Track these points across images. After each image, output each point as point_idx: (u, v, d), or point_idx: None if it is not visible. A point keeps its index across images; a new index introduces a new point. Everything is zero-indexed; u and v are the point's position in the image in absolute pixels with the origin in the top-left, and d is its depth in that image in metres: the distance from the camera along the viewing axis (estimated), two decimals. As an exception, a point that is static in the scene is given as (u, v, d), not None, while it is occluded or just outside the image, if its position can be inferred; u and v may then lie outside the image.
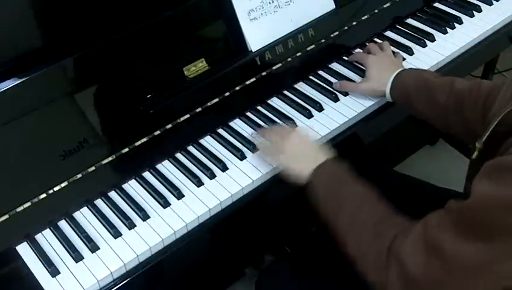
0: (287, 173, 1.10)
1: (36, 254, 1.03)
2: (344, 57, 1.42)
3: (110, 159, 1.12)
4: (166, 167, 1.18)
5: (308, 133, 1.20)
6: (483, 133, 0.89)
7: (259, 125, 1.25)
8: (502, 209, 0.74)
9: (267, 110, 1.29)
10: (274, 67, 1.31)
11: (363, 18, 1.45)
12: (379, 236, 0.89)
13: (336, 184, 1.02)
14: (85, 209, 1.11)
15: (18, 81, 1.01)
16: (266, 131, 1.20)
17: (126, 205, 1.11)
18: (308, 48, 1.35)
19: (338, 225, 0.97)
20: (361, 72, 1.36)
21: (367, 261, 0.90)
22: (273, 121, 1.26)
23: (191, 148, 1.21)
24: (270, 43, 1.29)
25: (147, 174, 1.17)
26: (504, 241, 0.75)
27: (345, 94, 1.31)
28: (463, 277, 0.78)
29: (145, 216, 1.08)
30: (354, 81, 1.34)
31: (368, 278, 0.90)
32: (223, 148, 1.21)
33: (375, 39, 1.48)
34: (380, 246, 0.87)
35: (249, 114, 1.29)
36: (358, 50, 1.44)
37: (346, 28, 1.42)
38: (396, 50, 1.43)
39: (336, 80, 1.35)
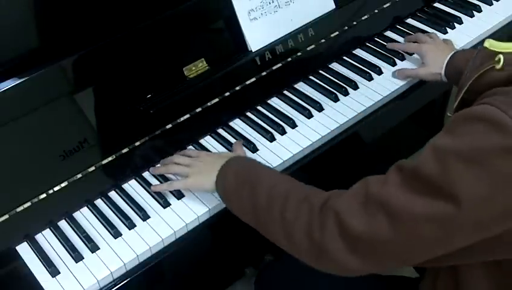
0: (197, 190, 1.09)
1: (36, 254, 1.03)
2: (344, 57, 1.42)
3: (110, 159, 1.12)
4: (166, 167, 1.18)
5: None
6: (455, 101, 0.89)
7: (259, 125, 1.25)
8: (454, 159, 0.71)
9: (267, 110, 1.29)
10: (274, 67, 1.31)
11: (363, 18, 1.45)
12: (306, 206, 0.84)
13: (246, 173, 0.98)
14: (85, 209, 1.11)
15: (18, 81, 1.01)
16: (169, 162, 1.15)
17: (126, 205, 1.11)
18: (308, 48, 1.35)
19: (258, 214, 0.91)
20: (361, 72, 1.36)
21: (298, 236, 0.83)
22: (273, 121, 1.26)
23: (190, 148, 1.21)
24: (270, 43, 1.29)
25: (147, 174, 1.17)
26: (454, 192, 0.71)
27: (345, 94, 1.31)
28: (411, 230, 0.74)
29: (145, 216, 1.08)
30: (353, 81, 1.33)
31: (303, 256, 0.85)
32: (223, 148, 1.21)
33: (376, 39, 1.48)
34: (310, 210, 0.83)
35: (249, 114, 1.29)
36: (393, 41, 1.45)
37: (346, 28, 1.42)
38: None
39: (335, 79, 1.35)
